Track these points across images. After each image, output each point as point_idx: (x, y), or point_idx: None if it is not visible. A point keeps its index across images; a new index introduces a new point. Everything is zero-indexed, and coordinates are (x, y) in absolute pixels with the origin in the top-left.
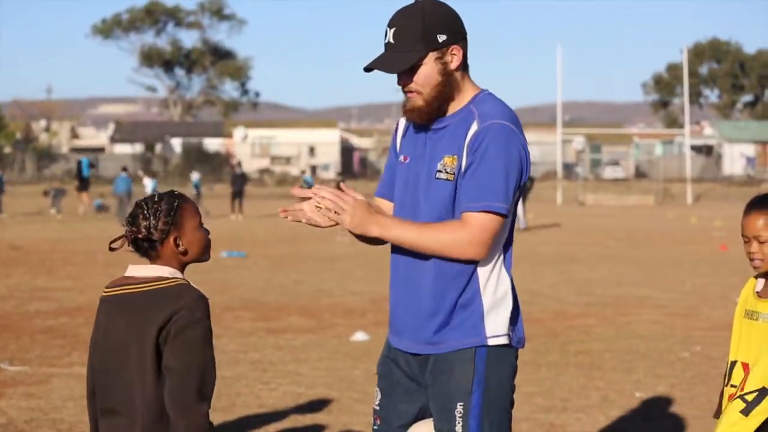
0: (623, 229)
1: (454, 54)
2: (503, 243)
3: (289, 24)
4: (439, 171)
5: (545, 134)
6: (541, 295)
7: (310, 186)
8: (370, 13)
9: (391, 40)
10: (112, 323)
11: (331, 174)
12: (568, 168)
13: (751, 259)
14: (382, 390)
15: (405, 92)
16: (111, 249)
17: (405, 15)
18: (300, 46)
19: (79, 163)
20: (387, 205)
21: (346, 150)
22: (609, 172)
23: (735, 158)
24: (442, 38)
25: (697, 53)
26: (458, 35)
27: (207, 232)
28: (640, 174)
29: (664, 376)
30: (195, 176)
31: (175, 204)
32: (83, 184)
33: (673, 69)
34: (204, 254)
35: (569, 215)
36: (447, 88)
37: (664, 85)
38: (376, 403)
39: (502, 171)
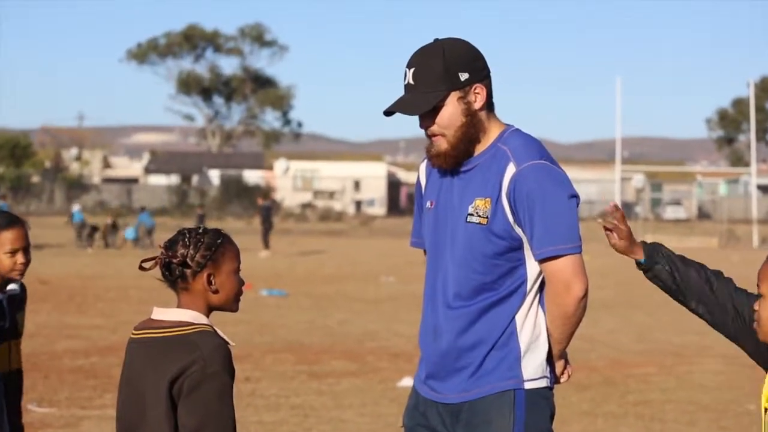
0: None
1: (478, 93)
2: (539, 283)
3: (333, 51)
4: (471, 214)
5: (603, 171)
6: (598, 342)
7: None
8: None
9: (411, 81)
10: (133, 369)
11: (378, 210)
12: (628, 207)
13: None
14: None
15: (428, 136)
16: (141, 268)
17: (424, 54)
18: (344, 75)
19: None
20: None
21: (393, 185)
22: (670, 212)
23: None
24: (464, 77)
25: (765, 88)
26: (481, 74)
27: (242, 282)
28: (703, 214)
29: (728, 429)
30: (76, 207)
31: (219, 241)
32: None
33: (739, 104)
34: (234, 303)
35: (628, 258)
36: (471, 130)
37: (730, 121)
38: None
39: (560, 211)
